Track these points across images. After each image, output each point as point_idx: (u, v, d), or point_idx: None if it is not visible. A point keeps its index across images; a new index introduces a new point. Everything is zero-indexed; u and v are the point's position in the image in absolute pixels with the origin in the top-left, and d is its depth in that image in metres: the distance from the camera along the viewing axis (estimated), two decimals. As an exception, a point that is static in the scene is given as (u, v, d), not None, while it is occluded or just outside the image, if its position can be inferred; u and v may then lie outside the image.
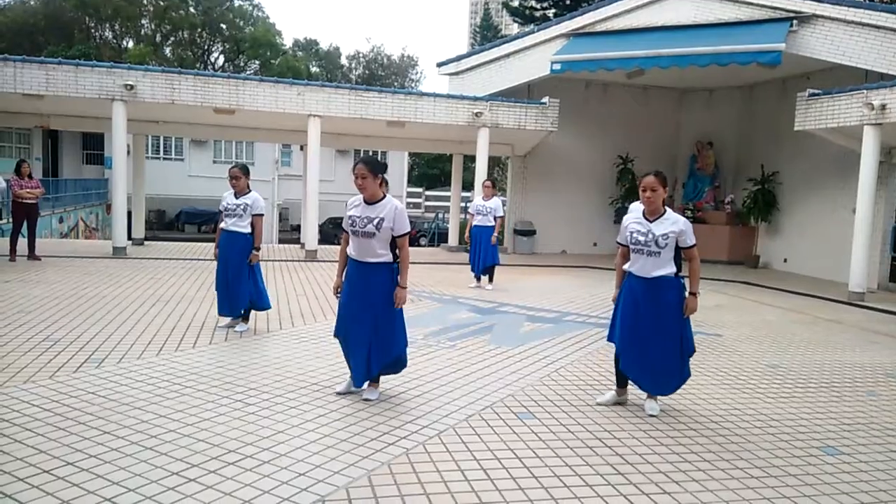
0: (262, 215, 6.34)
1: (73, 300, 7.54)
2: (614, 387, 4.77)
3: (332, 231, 30.31)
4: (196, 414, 4.10)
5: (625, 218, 4.62)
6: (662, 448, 3.97)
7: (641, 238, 4.34)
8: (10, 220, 11.42)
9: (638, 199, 6.58)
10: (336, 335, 4.62)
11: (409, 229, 4.40)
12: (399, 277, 4.41)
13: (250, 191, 6.36)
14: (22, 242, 10.84)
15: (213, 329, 6.45)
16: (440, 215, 36.07)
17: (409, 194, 41.32)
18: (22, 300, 7.38)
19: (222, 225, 6.35)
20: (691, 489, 3.44)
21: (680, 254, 4.43)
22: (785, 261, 14.74)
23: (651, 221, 4.37)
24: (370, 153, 37.00)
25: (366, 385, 4.56)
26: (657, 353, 4.38)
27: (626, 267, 4.50)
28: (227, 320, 6.53)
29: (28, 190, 10.86)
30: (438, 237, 32.41)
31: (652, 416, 4.44)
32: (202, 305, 7.52)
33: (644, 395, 4.67)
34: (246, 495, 3.08)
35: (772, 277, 13.27)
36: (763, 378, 5.77)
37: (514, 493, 3.27)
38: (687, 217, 15.80)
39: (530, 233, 16.10)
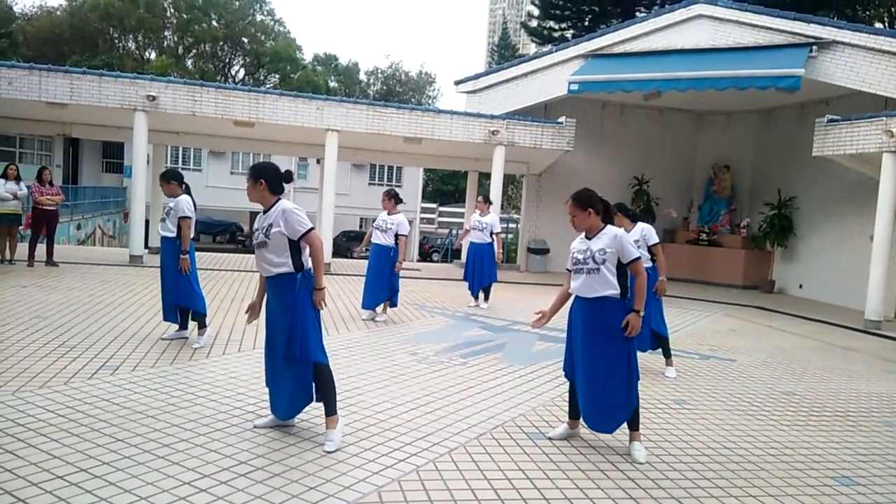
0: (188, 218, 6.18)
1: (89, 307, 7.61)
2: (566, 419, 4.51)
3: (345, 244, 30.48)
4: (209, 424, 4.12)
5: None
6: (675, 473, 3.94)
7: (580, 256, 4.18)
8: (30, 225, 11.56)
9: (647, 220, 6.61)
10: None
11: (307, 227, 3.93)
12: (314, 280, 4.00)
13: (181, 195, 6.25)
14: (40, 248, 10.98)
15: (227, 340, 6.48)
16: (453, 231, 36.16)
17: (423, 210, 41.45)
18: (39, 306, 7.46)
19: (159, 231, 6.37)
20: (704, 516, 3.40)
21: (626, 275, 4.15)
22: (800, 286, 14.61)
23: (590, 239, 4.21)
24: (386, 168, 37.26)
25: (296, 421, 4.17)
26: (600, 383, 4.10)
27: (570, 289, 4.29)
28: (173, 331, 6.38)
29: (48, 197, 11.01)
30: (451, 253, 32.46)
31: (639, 463, 4.02)
32: (216, 316, 7.57)
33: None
34: (256, 507, 3.09)
35: (787, 303, 13.16)
36: (777, 405, 5.71)
37: (525, 515, 3.25)
38: (702, 240, 15.84)
39: (544, 251, 16.08)
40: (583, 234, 4.28)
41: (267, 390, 4.20)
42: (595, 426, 4.28)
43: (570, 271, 4.32)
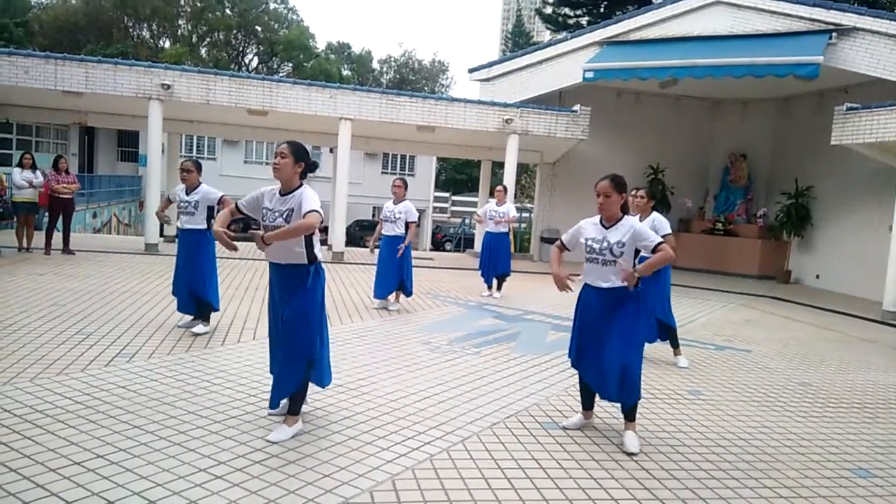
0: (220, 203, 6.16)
1: (105, 294, 7.68)
2: (580, 409, 4.48)
3: (358, 233, 30.54)
4: (224, 412, 4.14)
5: (582, 221, 4.34)
6: (689, 464, 3.92)
7: (596, 246, 4.10)
8: (47, 213, 11.67)
9: (662, 210, 6.55)
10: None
11: (314, 207, 3.72)
12: (267, 231, 3.73)
13: (200, 184, 6.25)
14: (57, 236, 11.08)
15: (242, 328, 6.52)
16: (466, 221, 36.09)
17: (436, 199, 41.42)
18: (56, 293, 7.53)
19: (180, 224, 6.29)
20: (719, 507, 3.39)
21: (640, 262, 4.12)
22: (817, 277, 14.47)
23: (607, 228, 4.14)
24: (399, 157, 37.24)
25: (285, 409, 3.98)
26: (615, 356, 4.03)
27: (580, 278, 4.23)
28: (188, 319, 6.38)
29: (64, 185, 11.09)
30: (464, 243, 32.42)
31: (632, 453, 3.96)
32: (231, 304, 7.61)
33: (622, 426, 4.24)
34: (271, 495, 3.10)
35: (803, 293, 13.04)
36: (793, 396, 5.66)
37: (538, 504, 3.25)
38: (717, 229, 15.71)
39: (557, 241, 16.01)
40: (598, 220, 4.22)
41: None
42: (618, 396, 4.11)
43: (563, 247, 4.32)
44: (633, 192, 5.77)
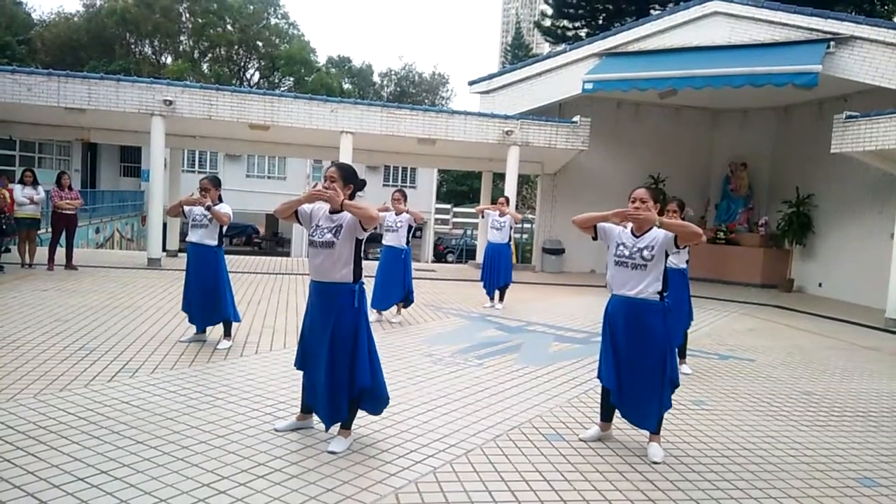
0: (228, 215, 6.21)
1: (108, 310, 7.69)
2: (598, 420, 4.49)
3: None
4: (227, 426, 4.14)
5: (616, 226, 4.28)
6: (694, 475, 3.91)
7: (626, 251, 4.11)
8: (50, 229, 11.72)
9: None
10: (296, 366, 4.21)
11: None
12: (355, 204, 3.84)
13: (221, 202, 6.23)
14: (60, 252, 11.11)
15: (244, 342, 6.52)
16: (468, 232, 36.14)
17: (438, 210, 41.46)
18: (59, 309, 7.55)
19: (190, 238, 6.27)
20: (723, 518, 3.37)
21: (667, 274, 4.16)
22: (820, 285, 14.44)
23: (637, 237, 4.14)
24: (400, 169, 37.33)
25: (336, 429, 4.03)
26: (637, 381, 4.11)
27: (608, 282, 4.25)
28: (192, 333, 6.40)
29: (67, 201, 11.15)
30: (466, 254, 32.46)
31: (655, 462, 4.03)
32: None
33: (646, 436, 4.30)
34: (274, 509, 3.10)
35: (806, 302, 13.01)
36: (797, 405, 5.65)
37: (542, 516, 3.24)
38: (719, 238, 15.70)
39: (559, 251, 16.02)
40: (629, 229, 4.21)
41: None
42: (636, 421, 4.28)
43: (605, 221, 4.24)
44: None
